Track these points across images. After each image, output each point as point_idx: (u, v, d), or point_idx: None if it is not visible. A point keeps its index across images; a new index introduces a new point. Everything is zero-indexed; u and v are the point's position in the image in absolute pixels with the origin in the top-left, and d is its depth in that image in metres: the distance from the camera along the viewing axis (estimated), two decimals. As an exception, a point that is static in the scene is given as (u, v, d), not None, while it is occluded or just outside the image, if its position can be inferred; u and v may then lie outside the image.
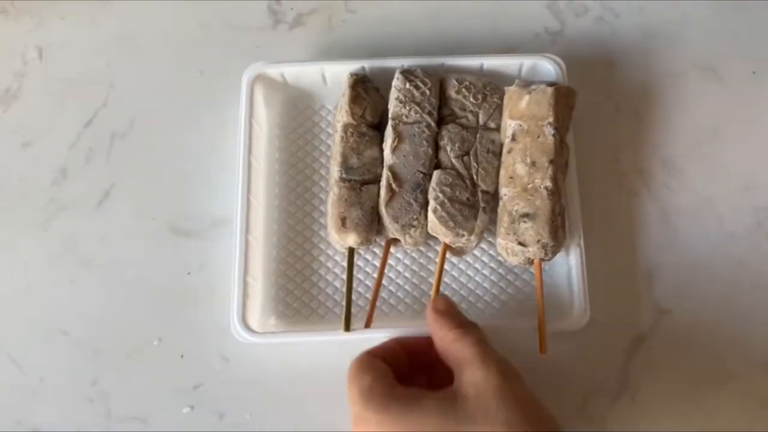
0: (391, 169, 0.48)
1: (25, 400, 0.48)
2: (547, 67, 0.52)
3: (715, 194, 0.52)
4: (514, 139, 0.48)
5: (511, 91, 0.49)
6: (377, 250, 0.51)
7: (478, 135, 0.49)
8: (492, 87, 0.51)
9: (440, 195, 0.47)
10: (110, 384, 0.48)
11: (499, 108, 0.50)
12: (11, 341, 0.50)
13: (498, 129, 0.50)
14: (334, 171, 0.49)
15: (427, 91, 0.50)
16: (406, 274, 0.50)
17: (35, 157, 0.55)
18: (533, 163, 0.47)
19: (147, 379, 0.48)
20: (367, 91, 0.51)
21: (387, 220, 0.48)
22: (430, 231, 0.48)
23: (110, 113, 0.56)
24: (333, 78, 0.53)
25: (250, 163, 0.50)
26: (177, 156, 0.54)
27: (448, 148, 0.49)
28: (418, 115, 0.49)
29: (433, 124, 0.49)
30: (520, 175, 0.47)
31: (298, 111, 0.55)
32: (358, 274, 0.50)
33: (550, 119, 0.47)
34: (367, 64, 0.52)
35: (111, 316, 0.50)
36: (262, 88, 0.53)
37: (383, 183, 0.48)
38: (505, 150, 0.48)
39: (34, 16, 0.59)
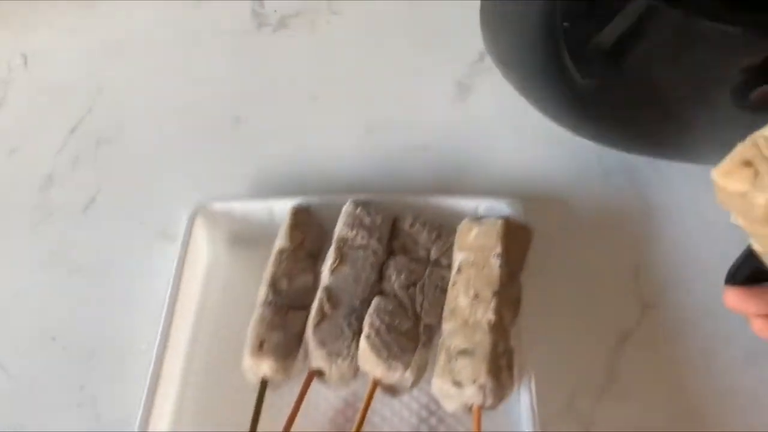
0: (327, 290, 0.44)
1: (13, 405, 0.48)
2: (505, 209, 0.48)
3: (699, 190, 0.52)
4: (459, 271, 0.45)
5: (462, 225, 0.47)
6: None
7: (427, 270, 0.46)
8: (449, 229, 0.48)
9: (377, 321, 0.43)
10: (98, 389, 0.48)
11: (453, 249, 0.47)
12: None
13: (449, 267, 0.46)
14: (261, 293, 0.45)
15: (379, 220, 0.47)
16: (329, 415, 0.44)
17: (22, 163, 0.56)
18: (476, 296, 0.43)
19: (135, 383, 0.48)
20: (310, 221, 0.48)
21: (313, 344, 0.42)
22: (360, 362, 0.42)
23: (96, 119, 0.56)
24: (281, 215, 0.49)
25: (175, 308, 0.45)
26: (163, 160, 0.55)
27: (393, 278, 0.45)
28: (364, 240, 0.46)
29: (380, 251, 0.46)
30: (462, 307, 0.43)
31: (240, 250, 0.50)
32: (270, 414, 0.42)
33: (498, 250, 0.44)
34: (316, 200, 0.49)
35: (99, 321, 0.50)
36: (205, 225, 0.49)
37: (315, 304, 0.44)
38: (450, 284, 0.45)
39: (18, 24, 0.60)
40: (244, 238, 0.50)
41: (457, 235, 0.47)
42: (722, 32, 0.33)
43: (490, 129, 0.54)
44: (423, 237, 0.47)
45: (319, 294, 0.44)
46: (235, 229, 0.50)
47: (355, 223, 0.46)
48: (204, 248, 0.50)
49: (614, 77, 0.41)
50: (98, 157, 0.55)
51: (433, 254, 0.47)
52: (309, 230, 0.47)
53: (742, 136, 0.37)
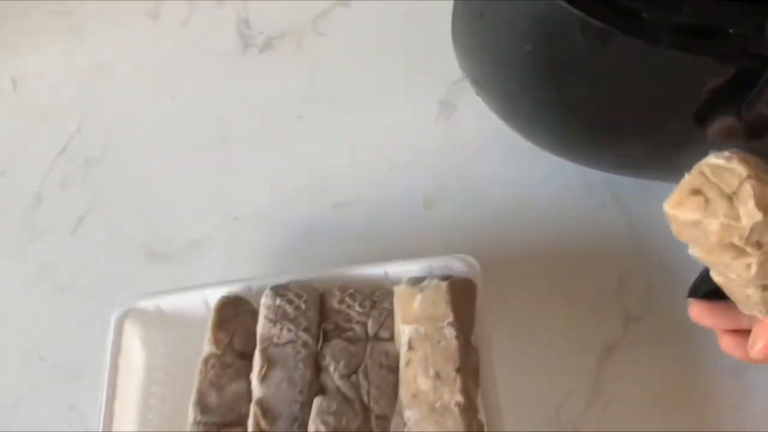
0: (260, 403, 0.40)
1: (2, 425, 0.48)
2: (459, 267, 0.45)
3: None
4: (411, 347, 0.40)
5: (400, 291, 0.43)
6: None
7: (368, 348, 0.42)
8: (382, 292, 0.44)
9: (322, 426, 0.38)
10: (87, 408, 0.48)
11: (392, 314, 0.43)
12: (-13, 367, 0.50)
13: (392, 338, 0.42)
14: (189, 413, 0.41)
15: (302, 305, 0.42)
16: None
17: (11, 184, 0.57)
18: (437, 375, 0.39)
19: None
20: (238, 314, 0.44)
21: None
22: None
23: (84, 140, 0.57)
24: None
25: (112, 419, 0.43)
26: (150, 181, 0.56)
27: (332, 368, 0.41)
28: (291, 333, 0.41)
29: (311, 341, 0.42)
30: (424, 391, 0.39)
31: (179, 348, 0.46)
32: None
33: (450, 319, 0.41)
34: (255, 284, 0.45)
35: (87, 340, 0.50)
36: (138, 326, 0.46)
37: (250, 422, 0.39)
38: (402, 363, 0.41)
39: (7, 48, 0.61)
40: (182, 330, 0.46)
41: (398, 304, 0.43)
42: (676, 60, 0.34)
43: (473, 146, 0.55)
44: (355, 311, 0.43)
45: (253, 409, 0.40)
46: (170, 323, 0.46)
47: (277, 316, 0.42)
48: (138, 348, 0.46)
49: (581, 101, 0.42)
50: (86, 178, 0.56)
51: (371, 328, 0.42)
52: (237, 327, 0.43)
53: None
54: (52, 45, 0.61)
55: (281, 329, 0.42)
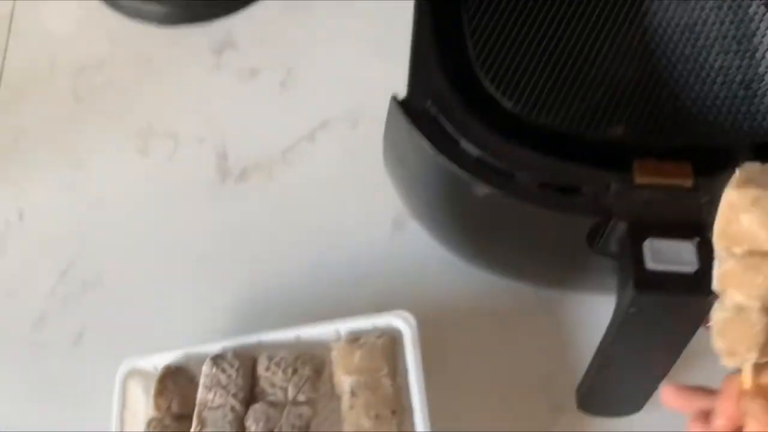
0: None
1: None
2: (399, 323, 0.51)
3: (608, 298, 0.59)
4: (354, 394, 0.48)
5: (340, 347, 0.50)
6: None
7: (285, 411, 0.48)
8: (304, 359, 0.50)
9: None
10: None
11: (310, 380, 0.49)
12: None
13: (307, 402, 0.49)
14: None
15: (234, 373, 0.49)
16: None
17: (17, 304, 0.63)
18: (377, 416, 0.47)
19: None
20: (177, 382, 0.51)
21: None
22: None
23: (82, 265, 0.64)
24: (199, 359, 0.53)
25: None
26: (142, 300, 0.62)
27: (252, 429, 0.47)
28: (222, 399, 0.48)
29: (238, 406, 0.48)
30: (366, 428, 0.47)
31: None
32: None
33: (385, 371, 0.49)
34: (230, 344, 0.52)
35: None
36: (142, 382, 0.53)
37: None
38: (346, 406, 0.48)
39: (16, 183, 0.69)
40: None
41: (339, 358, 0.50)
42: (540, 211, 0.41)
43: (420, 260, 0.61)
44: (279, 378, 0.49)
45: None
46: None
47: (212, 383, 0.49)
48: (141, 396, 0.53)
49: (479, 233, 0.50)
50: (84, 299, 0.62)
51: (290, 393, 0.49)
52: (175, 393, 0.50)
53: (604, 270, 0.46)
54: (54, 180, 0.68)
55: (214, 395, 0.49)
